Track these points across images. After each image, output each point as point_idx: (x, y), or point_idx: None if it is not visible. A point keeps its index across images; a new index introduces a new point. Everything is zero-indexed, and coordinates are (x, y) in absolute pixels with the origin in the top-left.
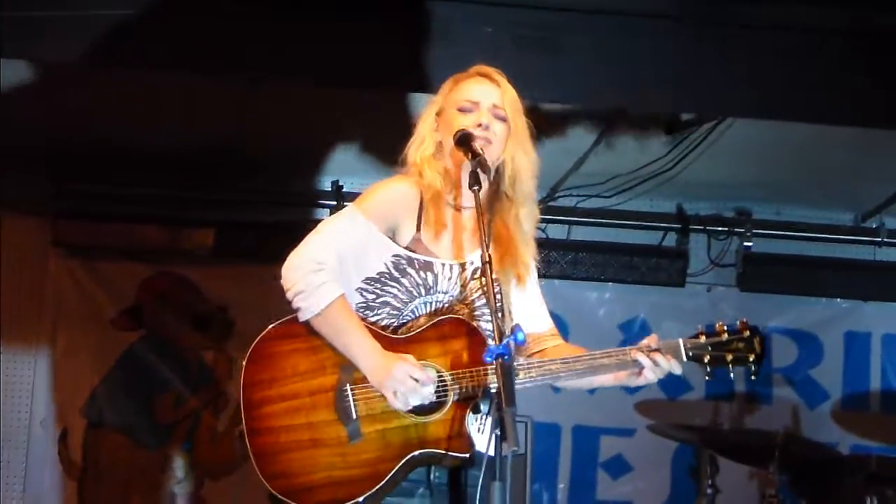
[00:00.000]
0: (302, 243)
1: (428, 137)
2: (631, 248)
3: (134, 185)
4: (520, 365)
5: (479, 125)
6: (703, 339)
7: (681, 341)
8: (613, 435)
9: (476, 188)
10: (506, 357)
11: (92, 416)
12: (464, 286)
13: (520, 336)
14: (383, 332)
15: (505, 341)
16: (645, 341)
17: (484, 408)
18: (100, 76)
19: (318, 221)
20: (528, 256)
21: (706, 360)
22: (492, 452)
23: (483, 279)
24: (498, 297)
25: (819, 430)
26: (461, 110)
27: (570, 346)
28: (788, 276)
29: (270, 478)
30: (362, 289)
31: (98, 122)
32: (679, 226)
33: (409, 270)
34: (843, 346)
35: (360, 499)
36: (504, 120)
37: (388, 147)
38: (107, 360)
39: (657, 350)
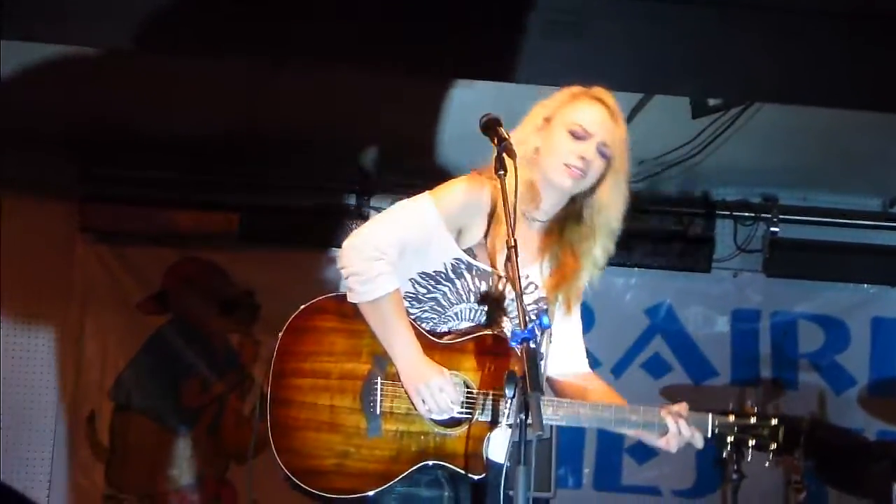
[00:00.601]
0: (370, 223)
1: (531, 141)
2: (657, 233)
3: (161, 170)
4: (551, 401)
5: (583, 158)
6: (731, 418)
7: (710, 417)
8: None
9: (502, 173)
10: (531, 342)
11: (119, 400)
12: (513, 300)
13: (545, 320)
14: (425, 334)
15: (530, 326)
16: (675, 407)
17: (509, 391)
18: (126, 60)
19: (343, 206)
20: (583, 287)
21: (729, 440)
22: (516, 437)
23: (508, 265)
24: (544, 309)
25: (845, 416)
26: (573, 134)
27: (608, 389)
28: (815, 262)
29: (282, 451)
30: (415, 280)
31: (125, 106)
32: (705, 211)
33: (466, 275)
34: (870, 332)
35: (368, 493)
36: (606, 157)
37: (415, 133)
38: (134, 344)
39: (684, 418)
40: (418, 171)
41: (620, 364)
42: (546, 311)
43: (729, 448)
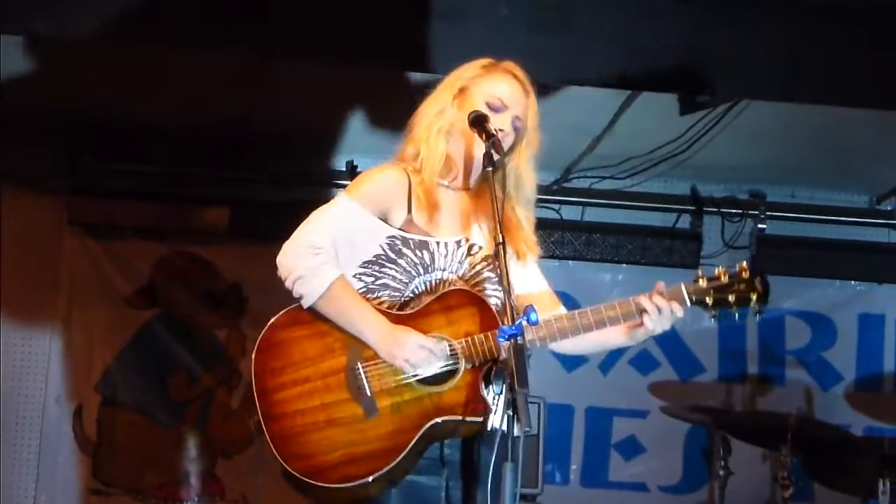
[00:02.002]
0: (295, 232)
1: (448, 111)
2: (645, 229)
3: (149, 163)
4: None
5: (500, 130)
6: (703, 283)
7: (682, 285)
8: (626, 416)
9: (490, 169)
10: (518, 338)
11: (106, 394)
12: (461, 263)
13: (532, 317)
14: (387, 311)
15: (518, 322)
16: (655, 289)
17: (496, 388)
18: (116, 52)
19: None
20: (531, 237)
21: (709, 303)
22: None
23: (496, 261)
24: (496, 277)
25: (832, 412)
26: (490, 105)
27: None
28: (802, 259)
29: (290, 459)
30: (360, 273)
31: (114, 99)
32: (693, 208)
33: (405, 251)
34: (857, 328)
35: (384, 470)
36: (517, 130)
37: (403, 127)
38: (121, 338)
39: (660, 294)
40: None
41: (608, 360)
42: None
43: (714, 312)
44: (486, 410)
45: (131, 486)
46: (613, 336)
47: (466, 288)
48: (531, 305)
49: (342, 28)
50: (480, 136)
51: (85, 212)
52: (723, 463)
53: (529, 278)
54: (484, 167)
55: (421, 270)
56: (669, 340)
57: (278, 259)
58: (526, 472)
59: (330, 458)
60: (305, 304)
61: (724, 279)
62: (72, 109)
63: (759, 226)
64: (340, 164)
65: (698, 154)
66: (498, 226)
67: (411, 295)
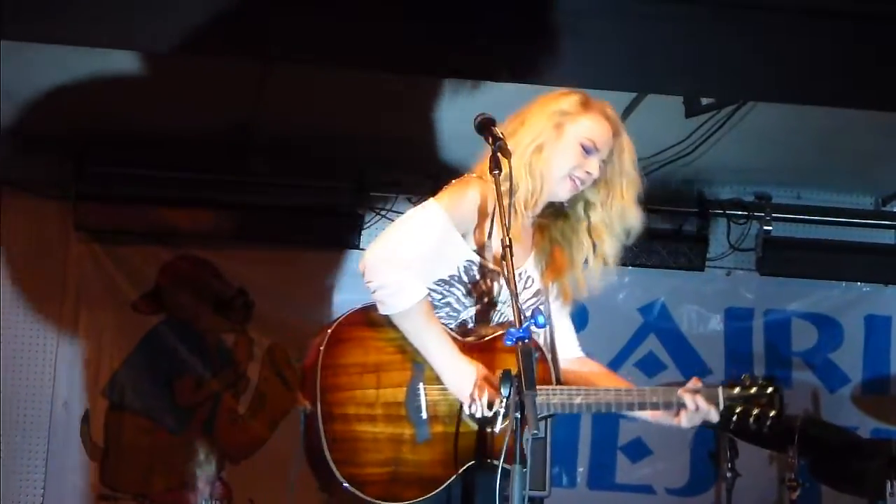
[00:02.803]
0: (386, 235)
1: (546, 148)
2: (651, 232)
3: (155, 168)
4: (577, 391)
5: (588, 174)
6: (736, 389)
7: (720, 390)
8: (633, 419)
9: (497, 172)
10: (526, 340)
11: (114, 399)
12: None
13: (540, 320)
14: (456, 336)
15: (526, 325)
16: (690, 385)
17: (504, 391)
18: (122, 59)
19: (338, 205)
20: (583, 283)
21: (737, 411)
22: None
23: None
24: (543, 307)
25: (839, 414)
26: (584, 147)
27: (608, 372)
28: (808, 260)
29: (338, 463)
30: (431, 289)
31: (121, 105)
32: (699, 210)
33: (478, 277)
34: (864, 330)
35: (421, 499)
36: (601, 169)
37: (412, 134)
38: (128, 343)
39: (700, 393)
40: (413, 171)
41: (614, 362)
42: (541, 310)
43: (733, 426)
44: (525, 460)
45: (138, 491)
46: (651, 414)
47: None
48: (538, 309)
49: (355, 34)
50: (487, 140)
51: (91, 217)
52: (730, 465)
53: (564, 322)
54: (490, 170)
55: (486, 300)
56: (676, 342)
57: (366, 260)
58: (534, 475)
59: (375, 473)
60: (383, 311)
61: (752, 390)
62: (79, 115)
63: (765, 227)
64: (348, 170)
65: (704, 156)
66: (505, 229)
67: (468, 320)
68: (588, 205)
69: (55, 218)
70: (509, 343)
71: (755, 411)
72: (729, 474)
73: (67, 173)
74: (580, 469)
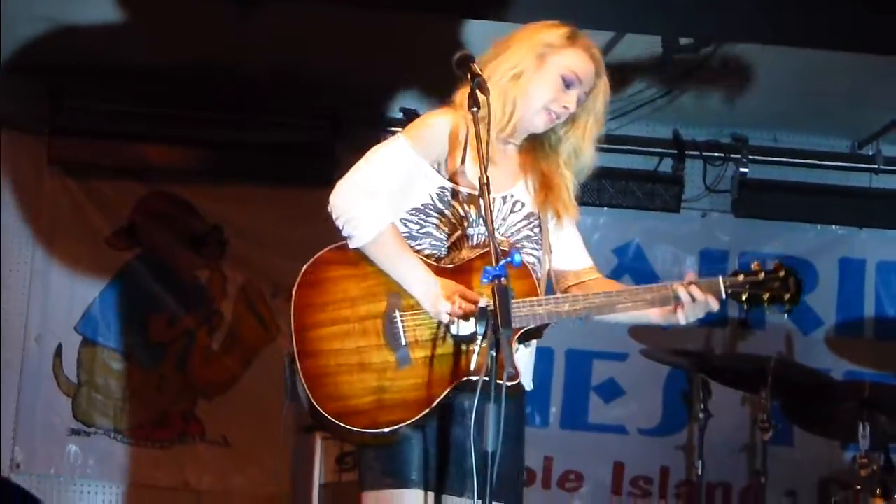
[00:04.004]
0: (351, 171)
1: (524, 75)
2: (626, 173)
3: (131, 103)
4: (565, 297)
5: (565, 108)
6: (741, 277)
7: (720, 279)
8: (606, 359)
9: (475, 109)
10: (502, 278)
11: (87, 334)
12: (504, 219)
13: (516, 258)
14: (431, 262)
15: (502, 262)
16: (686, 278)
17: (480, 329)
18: None
19: (313, 144)
20: (570, 200)
21: (744, 298)
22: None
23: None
24: (536, 230)
25: (812, 356)
26: (565, 79)
27: (609, 280)
28: (784, 203)
29: (321, 399)
30: (406, 220)
31: (97, 37)
32: (675, 151)
33: (453, 203)
34: (838, 273)
35: (410, 422)
36: (578, 103)
37: (387, 71)
38: (102, 278)
39: (696, 284)
40: (390, 108)
41: None
42: (519, 250)
43: (746, 307)
44: (517, 374)
45: (111, 427)
46: (649, 314)
47: (509, 249)
48: (515, 248)
49: None
50: (465, 76)
51: (65, 152)
52: (702, 406)
53: (566, 240)
54: (468, 107)
55: (465, 224)
56: (650, 283)
57: (331, 197)
58: (509, 413)
59: (359, 403)
60: (353, 245)
61: (761, 276)
62: (52, 49)
63: (741, 169)
64: (323, 107)
65: (681, 97)
66: (482, 167)
67: (452, 246)
68: (554, 135)
69: (29, 152)
70: (486, 281)
71: (765, 296)
72: (701, 415)
73: (42, 107)
74: (553, 409)
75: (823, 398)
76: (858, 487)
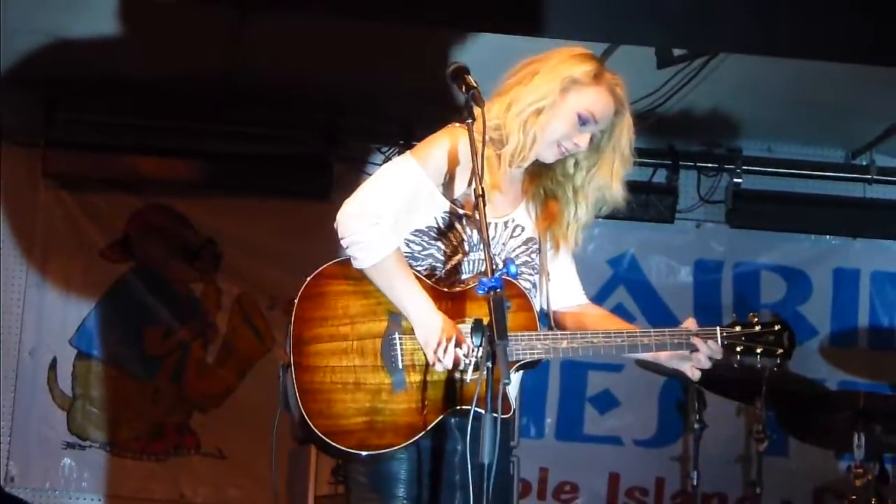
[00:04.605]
0: (359, 191)
1: (546, 111)
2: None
3: (125, 116)
4: (563, 334)
5: (576, 145)
6: (738, 329)
7: (718, 330)
8: (601, 370)
9: (470, 121)
10: (497, 290)
11: (82, 347)
12: (504, 244)
13: (511, 269)
14: (433, 285)
15: (497, 274)
16: (685, 324)
17: (476, 340)
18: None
19: (307, 155)
20: (572, 232)
21: (738, 350)
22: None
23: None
24: (534, 256)
25: (807, 366)
26: (581, 117)
27: (607, 314)
28: (778, 213)
29: (313, 414)
30: (409, 240)
31: (92, 51)
32: (669, 162)
33: (457, 227)
34: (832, 283)
35: (398, 447)
36: (591, 141)
37: (383, 84)
38: (96, 292)
39: (698, 336)
40: (385, 121)
41: None
42: (513, 259)
43: (738, 358)
44: (510, 407)
45: (106, 441)
46: (645, 356)
47: (515, 282)
48: (510, 258)
49: None
50: (460, 89)
51: (60, 164)
52: (697, 416)
53: (562, 271)
54: (464, 118)
55: (468, 248)
56: (645, 294)
57: (338, 217)
58: (504, 425)
59: (350, 423)
60: (356, 266)
61: (756, 328)
62: (48, 62)
63: (735, 180)
64: (319, 119)
65: (675, 108)
66: (478, 179)
67: (452, 269)
68: (577, 164)
69: (24, 164)
70: (481, 292)
71: (759, 349)
72: (697, 426)
73: (38, 120)
74: (548, 420)
75: (818, 408)
76: (853, 497)
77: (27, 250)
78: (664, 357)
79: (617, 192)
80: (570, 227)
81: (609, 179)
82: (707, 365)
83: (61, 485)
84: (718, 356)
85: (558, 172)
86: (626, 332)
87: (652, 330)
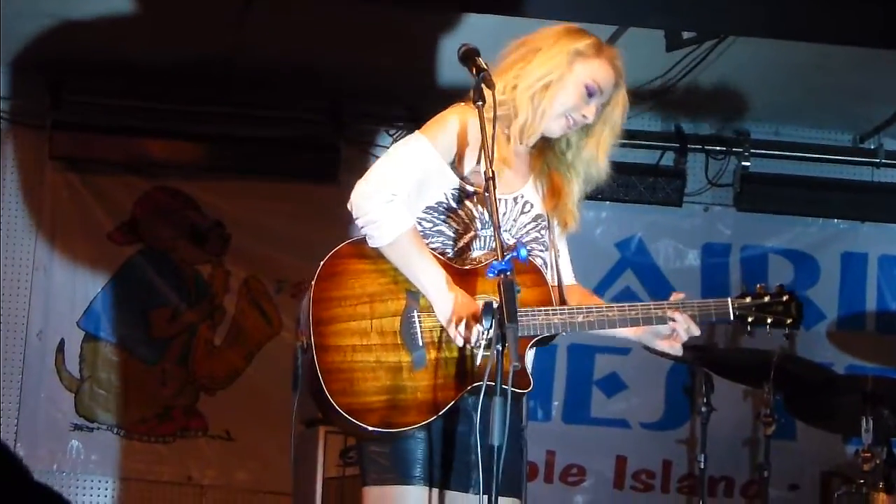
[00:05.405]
0: (372, 170)
1: (554, 85)
2: (629, 166)
3: (133, 98)
4: (579, 309)
5: (584, 117)
6: (748, 300)
7: (730, 301)
8: (608, 353)
9: (480, 104)
10: (508, 273)
11: (89, 329)
12: (515, 220)
13: (522, 252)
14: (449, 262)
15: (508, 257)
16: (673, 298)
17: (486, 323)
18: None
19: (315, 137)
20: (574, 211)
21: (749, 321)
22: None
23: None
24: (544, 232)
25: (814, 350)
26: (588, 88)
27: (595, 296)
28: (786, 197)
29: (335, 393)
30: (420, 217)
31: (99, 33)
32: (677, 145)
33: (467, 203)
34: (840, 267)
35: (420, 425)
36: (598, 112)
37: (389, 65)
38: (104, 274)
39: (700, 304)
40: (391, 104)
41: None
42: (524, 242)
43: (749, 329)
44: (529, 382)
45: (113, 422)
46: (631, 334)
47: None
48: (521, 242)
49: None
50: (470, 71)
51: (67, 147)
52: (705, 400)
53: (564, 253)
54: (473, 101)
55: (478, 225)
56: (652, 278)
57: (352, 197)
58: (514, 407)
59: (372, 401)
60: (372, 244)
61: (766, 299)
62: (54, 44)
63: (743, 163)
64: (323, 102)
65: (683, 91)
66: (488, 161)
67: (464, 246)
68: (568, 144)
69: (31, 147)
70: (492, 276)
71: (769, 319)
72: (704, 409)
73: (44, 102)
74: (555, 403)
75: (826, 392)
76: (861, 481)
77: (35, 232)
78: (636, 335)
79: (602, 166)
80: (572, 205)
81: (595, 150)
82: (685, 337)
83: (69, 467)
84: (696, 332)
85: (557, 149)
86: (641, 305)
87: (664, 302)
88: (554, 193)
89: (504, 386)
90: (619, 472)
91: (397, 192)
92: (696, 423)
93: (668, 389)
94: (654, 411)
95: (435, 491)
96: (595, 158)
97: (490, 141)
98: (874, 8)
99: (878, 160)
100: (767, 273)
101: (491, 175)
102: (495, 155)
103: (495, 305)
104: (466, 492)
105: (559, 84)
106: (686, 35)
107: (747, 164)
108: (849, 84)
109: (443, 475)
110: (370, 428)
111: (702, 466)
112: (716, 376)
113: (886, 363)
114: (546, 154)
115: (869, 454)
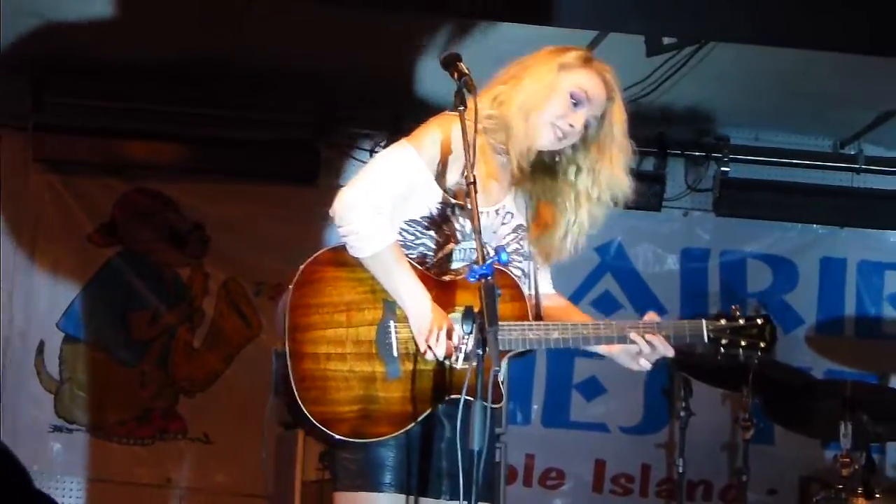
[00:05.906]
0: (357, 179)
1: (541, 93)
2: None
3: (114, 100)
4: (555, 325)
5: (571, 126)
6: (722, 322)
7: (704, 323)
8: (588, 357)
9: (462, 108)
10: (489, 277)
11: (69, 331)
12: (494, 232)
13: (503, 257)
14: (427, 273)
15: (489, 261)
16: (646, 317)
17: (466, 327)
18: None
19: (296, 140)
20: (565, 244)
21: (723, 343)
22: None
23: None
24: (523, 243)
25: (793, 355)
26: (574, 96)
27: (572, 307)
28: (765, 202)
29: (307, 402)
30: (403, 229)
31: (80, 35)
32: (657, 150)
33: (451, 217)
34: (819, 272)
35: (392, 436)
36: (587, 128)
37: (371, 70)
38: (84, 275)
39: (673, 326)
40: (374, 107)
41: (570, 301)
42: (504, 247)
43: (723, 352)
44: (501, 396)
45: (93, 424)
46: (618, 355)
47: (507, 270)
48: (502, 246)
49: None
50: (452, 76)
51: (49, 148)
52: (684, 404)
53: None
54: (455, 106)
55: (459, 238)
56: (632, 282)
57: (336, 205)
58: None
59: (344, 411)
60: (352, 254)
61: (740, 321)
62: (36, 45)
63: (723, 168)
64: (308, 105)
65: (664, 96)
66: (469, 167)
67: (444, 258)
68: (578, 170)
69: (13, 148)
70: (472, 280)
71: (743, 342)
72: (683, 413)
73: (26, 104)
74: (535, 406)
75: (805, 397)
76: (840, 486)
77: (16, 233)
78: (609, 351)
79: (623, 181)
80: (567, 236)
81: (611, 170)
82: (651, 361)
83: (48, 468)
84: (670, 354)
85: (560, 180)
86: (616, 323)
87: (639, 321)
88: (540, 223)
89: (483, 391)
90: (598, 475)
91: (382, 205)
92: (675, 427)
93: (647, 393)
94: (633, 415)
95: (412, 499)
96: (615, 178)
97: (471, 145)
98: (856, 13)
99: (858, 166)
100: (746, 278)
101: (472, 180)
102: (482, 168)
103: (476, 310)
104: (439, 498)
105: (545, 93)
106: (666, 40)
107: (727, 169)
108: (829, 90)
109: (416, 482)
110: (338, 437)
111: (680, 470)
112: (694, 380)
113: (865, 368)
114: (542, 180)
115: (848, 459)
